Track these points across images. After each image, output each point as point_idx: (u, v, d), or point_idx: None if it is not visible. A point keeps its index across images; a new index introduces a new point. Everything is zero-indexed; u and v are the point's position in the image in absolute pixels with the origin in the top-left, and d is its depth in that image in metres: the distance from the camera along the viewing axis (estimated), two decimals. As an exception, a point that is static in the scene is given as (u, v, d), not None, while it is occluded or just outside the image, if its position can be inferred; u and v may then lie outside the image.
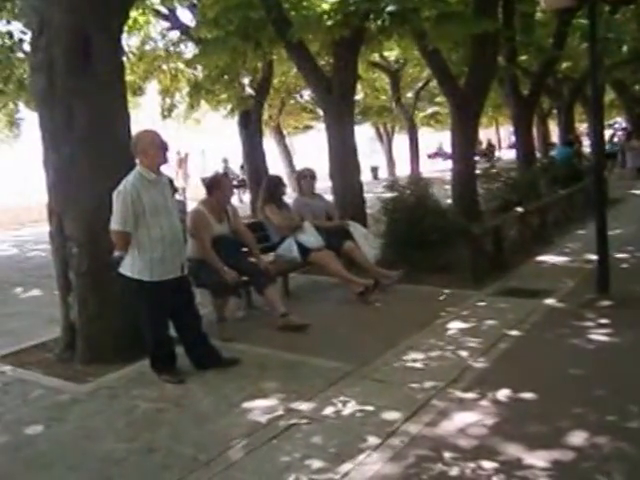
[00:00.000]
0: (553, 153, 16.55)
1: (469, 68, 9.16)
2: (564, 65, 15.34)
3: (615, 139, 21.53)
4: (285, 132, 24.04)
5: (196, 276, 4.74)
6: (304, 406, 3.52)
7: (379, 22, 6.83)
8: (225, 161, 22.10)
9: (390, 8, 6.34)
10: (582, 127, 27.59)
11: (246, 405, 3.61)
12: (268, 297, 5.14)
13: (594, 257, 5.97)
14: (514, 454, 2.83)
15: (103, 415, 3.65)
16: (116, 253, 4.02)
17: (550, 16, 12.30)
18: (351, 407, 3.46)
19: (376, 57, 17.50)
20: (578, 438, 2.93)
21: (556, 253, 7.42)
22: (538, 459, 2.77)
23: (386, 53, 17.37)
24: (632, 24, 14.17)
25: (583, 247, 7.40)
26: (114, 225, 3.89)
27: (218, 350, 4.34)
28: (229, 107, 14.49)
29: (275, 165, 18.39)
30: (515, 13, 10.83)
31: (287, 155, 22.83)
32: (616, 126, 24.46)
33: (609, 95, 21.41)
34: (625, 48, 14.57)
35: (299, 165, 18.95)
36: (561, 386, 3.57)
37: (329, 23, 6.74)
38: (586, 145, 21.09)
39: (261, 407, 3.56)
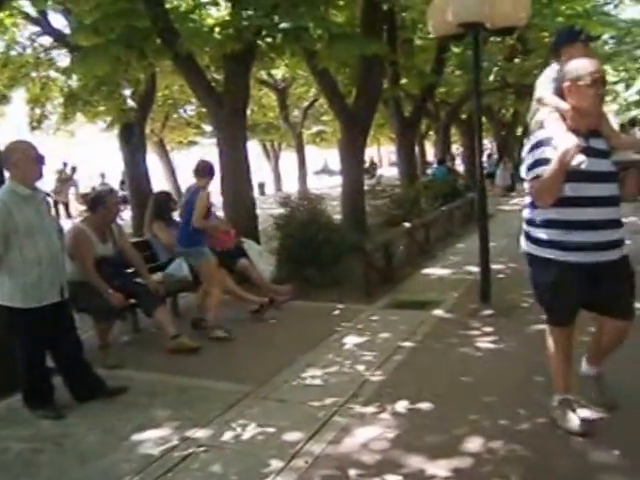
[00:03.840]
0: (429, 171, 17.57)
1: (357, 88, 9.45)
2: (441, 90, 16.31)
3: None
4: (168, 147, 23.38)
5: (77, 300, 4.37)
6: (200, 433, 3.33)
7: (271, 39, 6.81)
8: (102, 176, 21.02)
9: (283, 25, 6.34)
10: (454, 148, 29.50)
11: (136, 437, 3.36)
12: (158, 319, 4.87)
13: (474, 269, 6.32)
14: (416, 465, 2.84)
15: (-32, 461, 3.23)
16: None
17: (429, 43, 13.03)
18: (251, 430, 3.33)
19: (263, 75, 17.60)
20: (475, 444, 3.00)
21: (440, 266, 7.77)
22: (439, 468, 2.80)
23: (273, 71, 17.53)
24: (499, 54, 15.42)
25: (464, 260, 7.82)
26: None
27: (102, 379, 4.03)
28: (108, 119, 13.81)
29: (158, 181, 17.77)
30: (398, 38, 11.35)
31: (171, 171, 22.17)
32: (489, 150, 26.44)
33: (479, 118, 23.07)
34: (492, 77, 15.79)
35: (183, 182, 18.48)
36: (455, 394, 3.67)
37: (220, 36, 6.60)
38: (458, 164, 22.58)
39: (153, 438, 3.32)
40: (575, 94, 2.83)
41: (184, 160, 28.54)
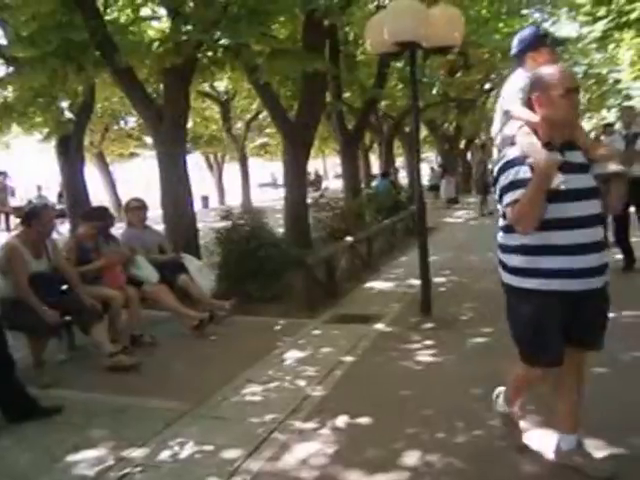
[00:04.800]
0: (374, 184, 17.84)
1: (299, 102, 9.50)
2: (384, 103, 16.62)
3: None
4: (108, 159, 22.86)
5: (10, 317, 4.22)
6: (137, 453, 3.26)
7: (212, 53, 6.75)
8: (39, 188, 20.34)
9: (223, 41, 6.31)
10: (398, 161, 30.09)
11: (71, 458, 3.26)
12: (94, 336, 4.75)
13: (416, 282, 6.44)
14: (355, 480, 2.88)
15: None
16: None
17: (371, 58, 13.30)
18: (189, 448, 3.28)
19: (206, 87, 17.49)
20: (412, 458, 3.05)
21: (383, 279, 7.88)
22: (377, 483, 2.85)
23: (216, 83, 17.46)
24: (440, 69, 15.93)
25: (406, 273, 7.96)
26: None
27: (36, 399, 3.89)
28: (45, 131, 13.38)
29: (97, 194, 17.32)
30: (340, 53, 11.51)
31: (111, 184, 21.67)
32: (433, 162, 27.20)
33: (422, 132, 23.70)
34: (435, 91, 16.26)
35: (123, 194, 18.12)
36: (394, 408, 3.71)
37: (159, 50, 6.51)
38: (403, 176, 23.07)
39: (88, 459, 3.24)
40: (546, 105, 2.54)
41: (125, 172, 27.98)
